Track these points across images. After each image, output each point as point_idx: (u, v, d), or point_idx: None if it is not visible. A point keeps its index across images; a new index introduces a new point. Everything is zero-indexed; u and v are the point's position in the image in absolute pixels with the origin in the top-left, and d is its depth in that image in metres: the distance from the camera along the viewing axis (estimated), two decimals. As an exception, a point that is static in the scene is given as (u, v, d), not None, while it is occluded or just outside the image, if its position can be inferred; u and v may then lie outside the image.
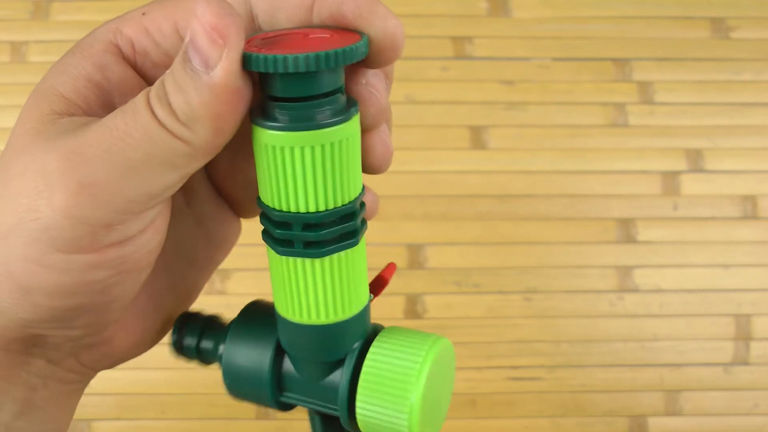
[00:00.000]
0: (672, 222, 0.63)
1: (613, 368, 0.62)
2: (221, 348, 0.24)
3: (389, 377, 0.21)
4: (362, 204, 0.21)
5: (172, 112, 0.18)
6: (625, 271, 0.63)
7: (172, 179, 0.19)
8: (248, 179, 0.24)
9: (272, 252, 0.21)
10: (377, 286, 0.24)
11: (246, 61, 0.18)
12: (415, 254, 0.62)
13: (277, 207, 0.20)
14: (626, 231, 0.63)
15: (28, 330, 0.20)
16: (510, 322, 0.62)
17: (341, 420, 0.22)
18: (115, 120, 0.18)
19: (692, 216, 0.63)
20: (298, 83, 0.18)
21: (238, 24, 0.17)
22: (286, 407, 0.24)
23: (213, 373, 0.61)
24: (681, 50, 0.65)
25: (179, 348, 0.25)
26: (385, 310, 0.61)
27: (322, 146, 0.19)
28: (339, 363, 0.22)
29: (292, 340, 0.22)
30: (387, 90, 0.21)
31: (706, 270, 0.63)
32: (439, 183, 0.63)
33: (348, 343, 0.22)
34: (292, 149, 0.19)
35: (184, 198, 0.24)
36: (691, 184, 0.63)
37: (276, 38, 0.19)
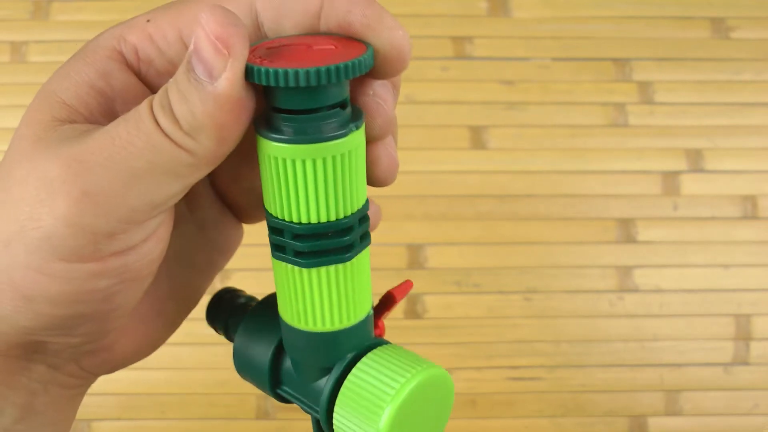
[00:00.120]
0: (672, 222, 0.63)
1: (613, 368, 0.62)
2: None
3: (366, 396, 0.21)
4: (363, 218, 0.21)
5: (176, 121, 0.18)
6: (625, 271, 0.63)
7: (175, 189, 0.19)
8: (251, 186, 0.24)
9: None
10: (385, 304, 0.24)
11: (250, 74, 0.18)
12: (415, 254, 0.62)
13: (273, 213, 0.20)
14: (626, 231, 0.63)
15: (30, 337, 0.20)
16: (510, 322, 0.62)
17: (321, 424, 0.22)
18: (118, 128, 0.18)
19: (692, 216, 0.63)
20: (302, 96, 0.18)
21: (242, 34, 0.17)
22: (284, 400, 0.24)
23: (213, 374, 0.61)
24: (681, 50, 0.65)
25: (210, 320, 0.26)
26: (385, 310, 0.61)
27: (324, 159, 0.19)
28: (329, 370, 0.22)
29: (288, 339, 0.22)
30: (394, 100, 0.21)
31: (706, 270, 0.63)
32: (439, 183, 0.63)
33: (339, 352, 0.22)
34: (293, 161, 0.19)
35: (186, 204, 0.24)
36: (691, 184, 0.63)
37: (280, 48, 0.19)
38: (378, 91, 0.20)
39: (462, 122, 0.64)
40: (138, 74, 0.21)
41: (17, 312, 0.19)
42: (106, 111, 0.20)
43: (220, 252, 0.26)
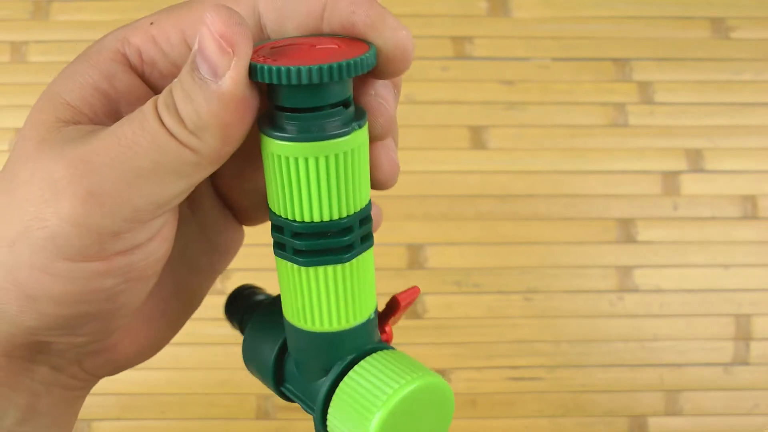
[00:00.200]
0: (672, 222, 0.63)
1: (613, 368, 0.62)
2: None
3: (359, 399, 0.20)
4: (365, 220, 0.21)
5: (181, 120, 0.18)
6: (625, 271, 0.63)
7: (180, 188, 0.19)
8: (252, 188, 0.24)
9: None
10: (391, 309, 0.23)
11: (254, 72, 0.18)
12: (415, 254, 0.62)
13: (274, 210, 0.20)
14: (626, 231, 0.63)
15: (34, 337, 0.20)
16: (510, 322, 0.62)
17: (315, 424, 0.22)
18: (123, 128, 0.18)
19: (692, 216, 0.63)
20: (304, 94, 0.18)
21: (246, 33, 0.17)
22: (288, 398, 0.24)
23: (213, 374, 0.61)
24: (681, 50, 0.65)
25: (228, 314, 0.26)
26: (385, 310, 0.61)
27: (326, 158, 0.19)
28: (328, 371, 0.22)
29: (289, 338, 0.23)
30: (395, 100, 0.21)
31: (706, 270, 0.63)
32: (439, 183, 0.63)
33: (338, 353, 0.22)
34: (295, 159, 0.19)
35: (188, 206, 0.24)
36: (691, 184, 0.63)
37: (284, 48, 0.19)
38: (380, 91, 0.20)
39: (462, 122, 0.64)
40: (141, 76, 0.21)
41: (22, 312, 0.19)
42: (110, 113, 0.20)
43: (221, 254, 0.26)
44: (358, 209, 0.20)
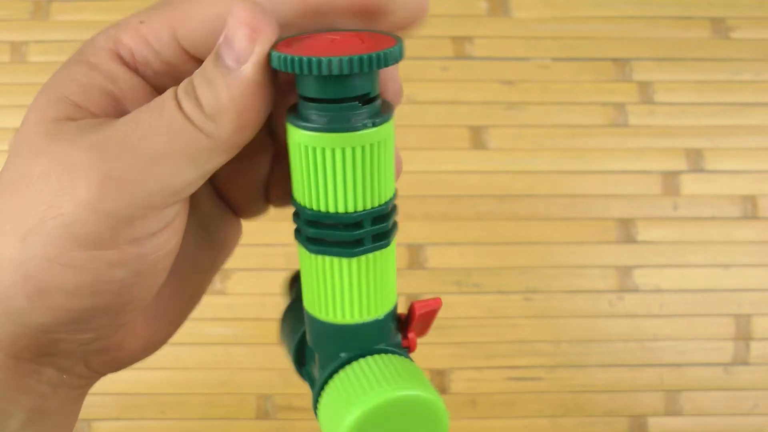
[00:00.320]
0: (672, 222, 0.63)
1: (613, 368, 0.62)
2: None
3: (344, 395, 0.20)
4: (380, 218, 0.21)
5: (199, 105, 0.18)
6: (625, 271, 0.63)
7: (193, 175, 0.19)
8: (247, 183, 0.24)
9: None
10: (409, 316, 0.23)
11: (283, 63, 0.18)
12: (415, 254, 0.62)
13: (294, 196, 0.21)
14: (626, 231, 0.63)
15: (43, 335, 0.20)
16: (510, 322, 0.62)
17: (314, 410, 0.23)
18: (142, 115, 0.19)
19: (692, 216, 0.63)
20: (336, 85, 0.19)
21: (272, 22, 0.18)
22: (306, 381, 0.25)
23: (213, 374, 0.61)
24: (681, 50, 0.65)
25: (287, 292, 0.27)
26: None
27: (353, 149, 0.19)
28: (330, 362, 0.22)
29: (305, 321, 0.23)
30: (398, 99, 0.21)
31: (706, 270, 0.63)
32: (439, 183, 0.63)
33: (343, 347, 0.22)
34: (323, 150, 0.19)
35: (188, 202, 0.24)
36: (691, 184, 0.63)
37: (308, 40, 0.19)
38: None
39: (462, 122, 0.64)
40: (137, 75, 0.21)
41: (33, 307, 0.19)
42: (119, 112, 0.20)
43: (220, 248, 0.26)
44: (373, 206, 0.20)
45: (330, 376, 0.22)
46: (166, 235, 0.20)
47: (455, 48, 0.65)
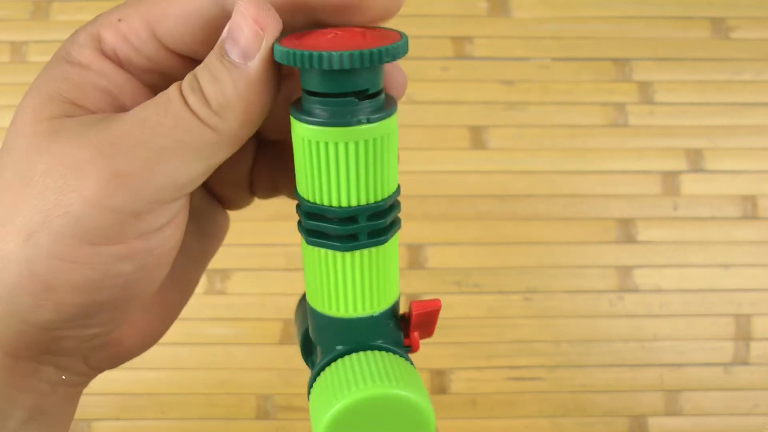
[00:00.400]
0: (672, 222, 0.63)
1: (613, 368, 0.62)
2: None
3: (331, 389, 0.20)
4: (375, 215, 0.21)
5: (205, 101, 0.19)
6: (625, 271, 0.63)
7: (199, 170, 0.19)
8: (232, 178, 0.25)
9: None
10: (408, 315, 0.23)
11: (288, 57, 0.18)
12: (415, 254, 0.62)
13: (296, 185, 0.21)
14: (626, 231, 0.63)
15: (47, 332, 0.20)
16: (510, 322, 0.62)
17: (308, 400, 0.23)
18: (147, 111, 0.19)
19: (692, 216, 0.63)
20: (339, 79, 0.19)
21: (276, 18, 0.18)
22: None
23: (213, 374, 0.61)
24: (681, 50, 0.65)
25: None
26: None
27: (355, 143, 0.19)
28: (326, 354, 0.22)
29: (308, 313, 0.23)
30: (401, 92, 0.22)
31: (706, 270, 0.63)
32: (439, 183, 0.63)
33: (338, 340, 0.22)
34: (324, 144, 0.19)
35: None
36: (691, 184, 0.63)
37: (311, 35, 0.19)
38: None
39: (462, 122, 0.64)
40: (125, 71, 0.21)
41: (39, 305, 0.19)
42: (116, 108, 0.21)
43: (210, 240, 0.26)
44: (369, 202, 0.20)
45: (322, 368, 0.22)
46: (171, 229, 0.20)
47: (455, 48, 0.65)
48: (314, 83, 0.19)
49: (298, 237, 0.22)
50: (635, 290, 0.62)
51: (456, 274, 0.62)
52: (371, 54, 0.18)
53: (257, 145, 0.25)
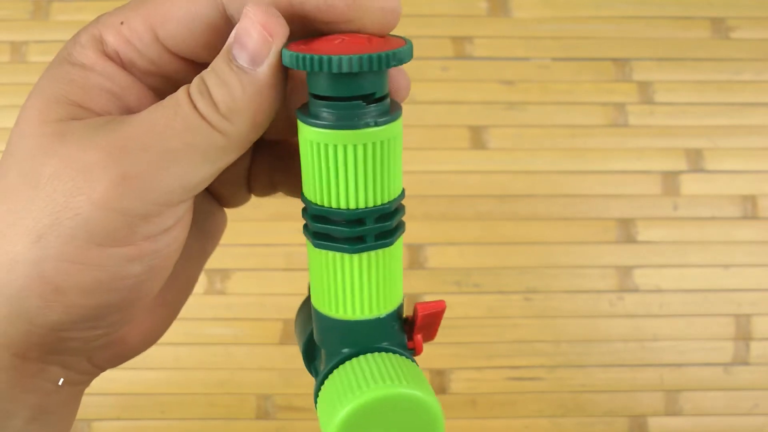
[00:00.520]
0: (672, 222, 0.63)
1: (613, 368, 0.62)
2: None
3: (340, 391, 0.21)
4: (381, 217, 0.21)
5: (214, 105, 0.19)
6: (625, 271, 0.63)
7: (207, 173, 0.20)
8: (227, 177, 0.25)
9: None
10: (413, 317, 0.23)
11: (297, 61, 0.18)
12: (415, 254, 0.62)
13: (302, 189, 0.21)
14: (626, 231, 0.63)
15: (54, 333, 0.20)
16: (510, 322, 0.62)
17: (315, 405, 0.23)
18: (156, 114, 0.19)
19: (692, 216, 0.63)
20: (346, 83, 0.19)
21: (283, 24, 0.19)
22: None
23: (213, 374, 0.61)
24: (681, 50, 0.65)
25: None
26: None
27: (363, 146, 0.19)
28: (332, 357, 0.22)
29: (313, 317, 0.23)
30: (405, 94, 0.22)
31: (706, 270, 0.63)
32: (439, 183, 0.63)
33: (344, 343, 0.22)
34: (331, 147, 0.19)
35: None
36: (691, 184, 0.63)
37: (316, 40, 0.19)
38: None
39: (462, 122, 0.64)
40: (128, 73, 0.21)
41: (47, 307, 0.19)
42: (122, 110, 0.21)
43: (208, 237, 0.27)
44: (377, 204, 0.20)
45: (330, 371, 0.22)
46: (177, 230, 0.21)
47: (455, 48, 0.65)
48: (322, 87, 0.19)
49: (298, 237, 0.22)
50: (635, 290, 0.63)
51: (456, 274, 0.62)
52: (379, 57, 0.18)
53: (255, 143, 0.25)
